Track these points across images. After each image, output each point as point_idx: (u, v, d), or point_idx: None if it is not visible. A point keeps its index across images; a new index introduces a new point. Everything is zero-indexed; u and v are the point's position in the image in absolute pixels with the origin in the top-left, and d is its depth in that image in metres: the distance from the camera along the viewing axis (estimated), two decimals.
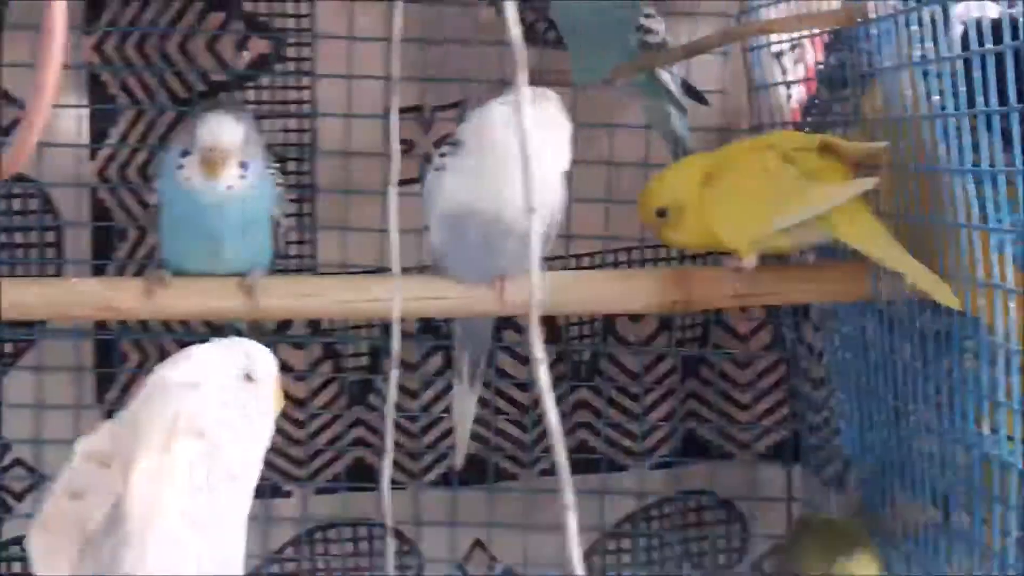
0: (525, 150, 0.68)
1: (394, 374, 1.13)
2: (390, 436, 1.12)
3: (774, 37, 1.79)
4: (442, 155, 1.50)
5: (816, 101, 1.74)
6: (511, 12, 0.69)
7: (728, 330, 1.94)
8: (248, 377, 1.03)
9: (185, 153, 1.47)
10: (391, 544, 1.15)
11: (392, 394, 1.13)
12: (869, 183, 1.42)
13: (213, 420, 1.00)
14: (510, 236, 1.45)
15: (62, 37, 0.94)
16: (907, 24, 1.36)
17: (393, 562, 1.92)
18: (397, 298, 1.11)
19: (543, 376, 0.68)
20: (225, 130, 1.44)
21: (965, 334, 1.35)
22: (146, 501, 0.95)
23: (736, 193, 1.48)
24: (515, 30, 0.69)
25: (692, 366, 1.94)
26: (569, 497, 0.67)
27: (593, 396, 1.93)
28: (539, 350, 0.68)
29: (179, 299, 1.50)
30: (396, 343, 1.13)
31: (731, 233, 1.48)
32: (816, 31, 1.69)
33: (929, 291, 1.34)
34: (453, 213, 1.48)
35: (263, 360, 1.06)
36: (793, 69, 1.78)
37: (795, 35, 1.74)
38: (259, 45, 1.83)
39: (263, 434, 1.03)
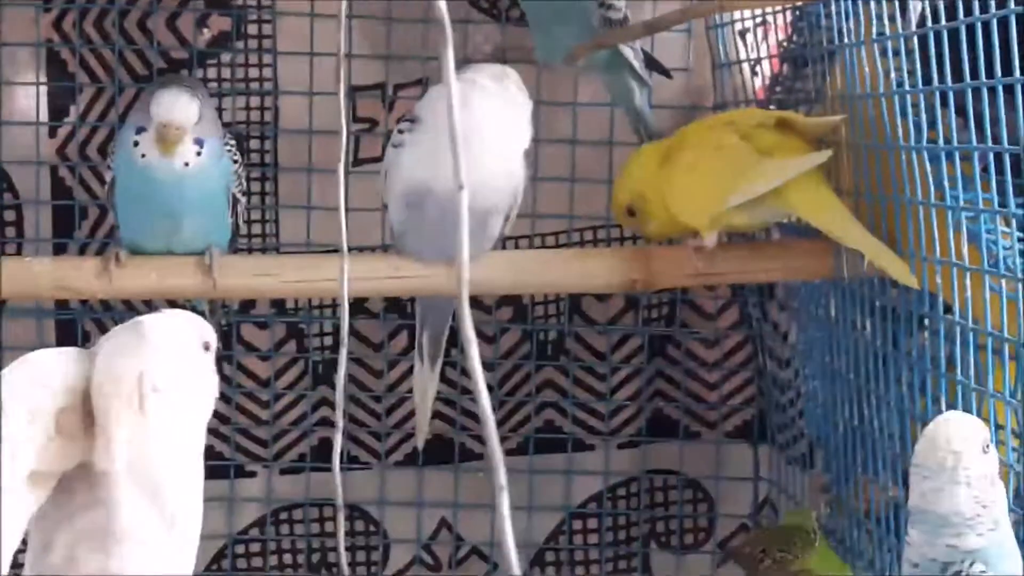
0: (454, 129, 0.67)
1: (343, 352, 1.12)
2: (340, 412, 1.12)
3: (739, 15, 1.79)
4: (400, 132, 1.49)
5: (781, 79, 1.74)
6: None
7: (695, 309, 1.93)
8: (206, 346, 1.03)
9: (140, 130, 1.46)
10: (341, 523, 1.13)
11: (342, 372, 1.12)
12: (822, 156, 1.42)
13: (177, 382, 1.00)
14: (468, 215, 1.44)
15: None
16: (866, 1, 1.36)
17: (358, 542, 1.92)
18: (344, 277, 1.10)
19: (474, 358, 0.67)
20: (180, 106, 1.43)
21: (923, 312, 1.35)
22: (133, 463, 0.95)
23: (691, 171, 1.48)
24: (441, 5, 0.68)
25: (659, 345, 1.94)
26: (502, 479, 0.66)
27: (559, 375, 1.93)
28: (469, 330, 0.68)
29: (135, 278, 1.50)
30: (344, 323, 1.13)
31: (688, 211, 1.48)
32: (779, 8, 1.68)
33: (887, 268, 1.34)
34: (411, 191, 1.47)
35: (211, 332, 1.06)
36: (758, 47, 1.77)
37: (760, 13, 1.74)
38: (219, 22, 1.82)
39: (210, 406, 1.03)
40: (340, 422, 1.12)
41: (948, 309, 1.29)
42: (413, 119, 1.48)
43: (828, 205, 1.42)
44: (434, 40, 1.80)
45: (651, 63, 1.76)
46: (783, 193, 1.43)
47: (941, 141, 1.26)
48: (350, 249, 1.80)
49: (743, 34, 1.81)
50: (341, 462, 1.85)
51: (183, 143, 1.45)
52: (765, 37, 1.76)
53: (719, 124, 1.51)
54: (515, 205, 1.52)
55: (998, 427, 1.21)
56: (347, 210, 1.79)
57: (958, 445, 1.05)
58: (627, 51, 1.69)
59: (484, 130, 1.44)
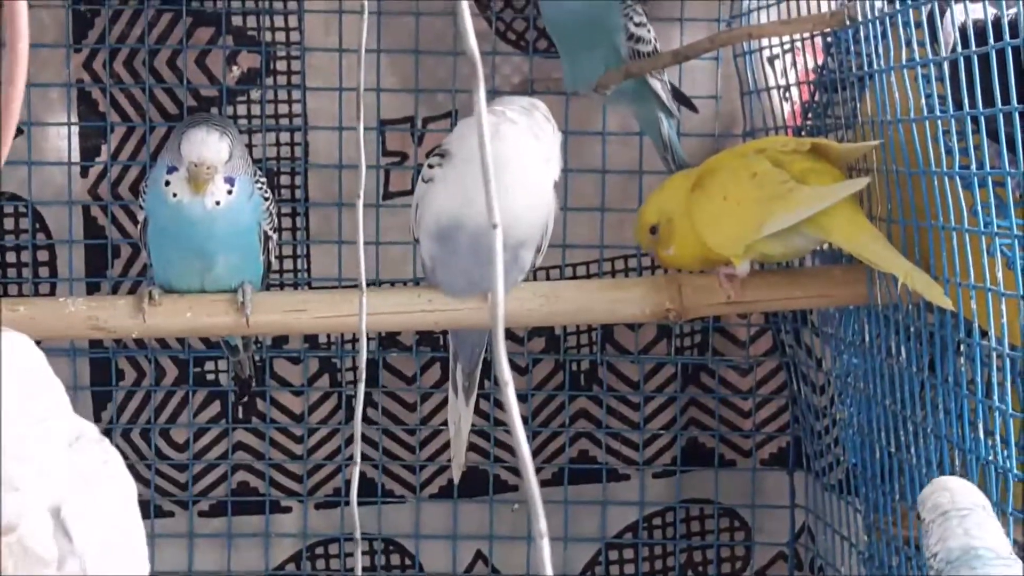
0: (487, 165, 0.67)
1: (360, 388, 1.12)
2: (358, 447, 1.11)
3: (767, 42, 1.79)
4: (430, 166, 1.50)
5: (812, 105, 1.74)
6: (467, 21, 0.68)
7: (728, 336, 1.93)
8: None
9: (171, 169, 1.47)
10: (359, 558, 1.13)
11: (359, 407, 1.12)
12: (859, 184, 1.41)
13: None
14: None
15: (26, 39, 0.91)
16: (898, 26, 1.36)
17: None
18: (363, 312, 1.10)
19: (511, 399, 0.67)
20: (210, 146, 1.44)
21: (959, 337, 1.34)
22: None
23: (724, 198, 1.47)
24: (471, 39, 0.68)
25: (692, 373, 1.93)
26: (542, 524, 0.66)
27: (593, 405, 1.93)
28: (506, 372, 0.67)
29: (170, 316, 1.50)
30: (362, 357, 1.13)
31: (721, 239, 1.47)
32: (808, 35, 1.68)
33: (923, 292, 1.34)
34: (442, 225, 1.47)
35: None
36: (787, 73, 1.77)
37: (788, 39, 1.74)
38: (248, 59, 1.83)
39: None
40: (358, 455, 1.12)
41: (984, 334, 1.28)
42: (443, 153, 1.49)
43: (863, 231, 1.41)
44: (463, 73, 1.83)
45: (677, 96, 1.77)
46: (818, 220, 1.42)
47: (974, 166, 1.26)
48: (382, 282, 1.82)
49: (772, 61, 1.81)
50: (375, 496, 1.88)
51: (214, 182, 1.45)
52: (794, 63, 1.76)
53: (751, 151, 1.50)
54: (546, 236, 1.52)
55: None
56: (378, 244, 1.82)
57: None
58: (655, 82, 1.70)
59: (515, 164, 1.44)
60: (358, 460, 1.09)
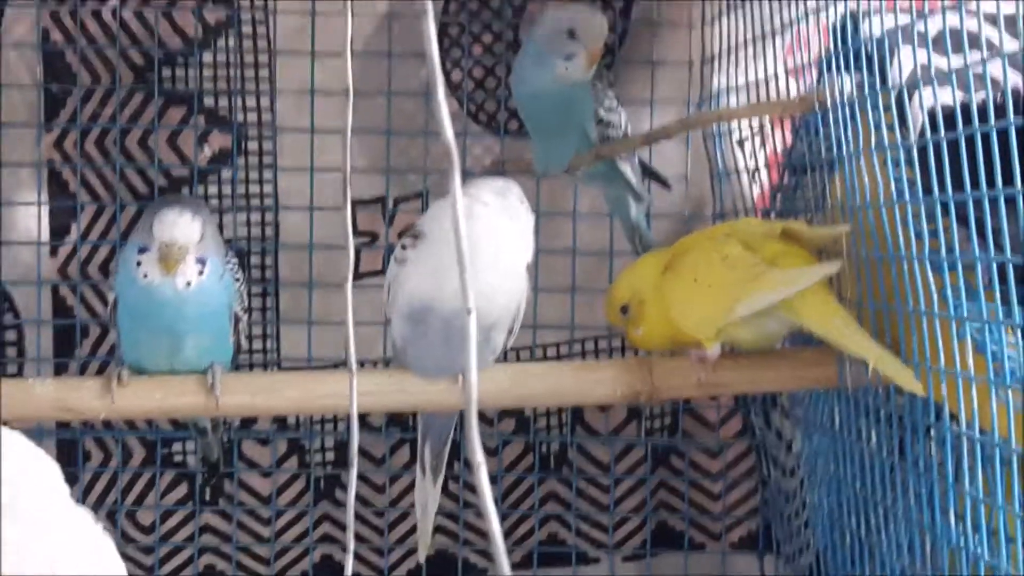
0: (461, 246, 0.67)
1: (353, 473, 1.11)
2: (351, 534, 1.11)
3: (736, 124, 1.80)
4: (403, 247, 1.49)
5: (782, 187, 1.74)
6: (443, 112, 0.69)
7: (698, 418, 1.93)
8: None
9: (143, 249, 1.46)
10: None
11: (351, 494, 1.11)
12: (831, 267, 1.42)
13: None
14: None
15: None
16: (867, 110, 1.37)
17: None
18: (353, 393, 1.10)
19: (483, 481, 0.67)
20: (182, 226, 1.43)
21: (929, 421, 1.34)
22: None
23: (695, 281, 1.47)
24: (447, 127, 0.69)
25: (662, 455, 1.93)
26: None
27: (562, 487, 1.92)
28: (479, 454, 0.67)
29: (138, 398, 1.48)
30: (354, 442, 1.12)
31: (692, 321, 1.47)
32: (779, 118, 1.69)
33: (893, 377, 1.34)
34: (415, 307, 1.47)
35: None
36: (756, 156, 1.78)
37: (759, 121, 1.75)
38: (220, 139, 1.83)
39: None
40: (351, 543, 1.11)
41: (954, 418, 1.28)
42: (416, 235, 1.48)
43: (834, 314, 1.41)
44: (435, 153, 1.83)
45: (650, 173, 1.78)
46: (789, 303, 1.42)
47: (943, 250, 1.26)
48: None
49: (741, 143, 1.82)
50: None
51: (185, 262, 1.44)
52: (763, 146, 1.77)
53: (721, 233, 1.50)
54: (518, 318, 1.51)
55: (1008, 540, 1.20)
56: (349, 323, 1.80)
57: None
58: (624, 166, 1.70)
59: (488, 245, 1.44)
60: (351, 549, 1.08)
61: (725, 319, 1.44)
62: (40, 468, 0.98)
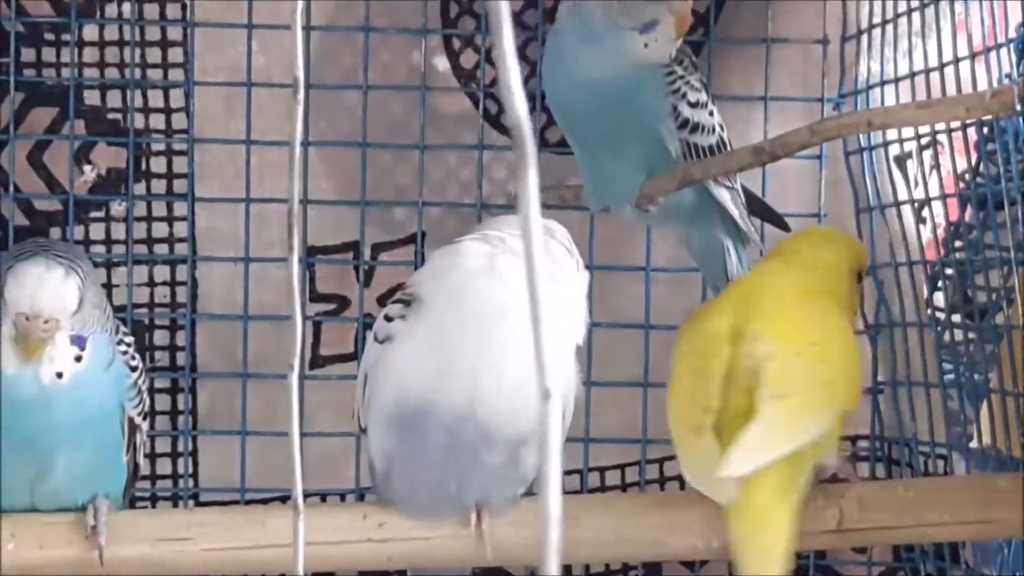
0: (536, 304, 0.65)
1: None
2: None
3: (895, 134, 1.79)
4: (388, 319, 1.48)
5: (963, 227, 1.73)
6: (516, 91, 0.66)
7: None
8: None
9: None
10: None
11: None
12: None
13: None
14: (490, 444, 1.44)
15: None
16: None
17: None
18: (299, 542, 1.07)
19: None
20: (50, 288, 1.42)
21: None
22: None
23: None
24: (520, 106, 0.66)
25: None
26: None
27: None
28: None
29: None
30: None
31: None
32: (956, 125, 1.68)
33: None
34: (407, 408, 1.46)
35: None
36: (924, 179, 1.77)
37: (929, 130, 1.73)
38: (109, 155, 1.83)
39: None
40: None
41: None
42: (409, 299, 1.47)
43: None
44: (437, 177, 1.83)
45: (761, 207, 1.77)
46: None
47: None
48: (308, 495, 1.78)
49: (902, 162, 1.81)
50: None
51: (54, 344, 1.43)
52: (935, 166, 1.75)
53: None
54: (567, 423, 1.50)
55: None
56: (302, 435, 1.79)
57: None
58: (721, 192, 1.68)
59: (518, 319, 1.43)
60: None
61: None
62: None
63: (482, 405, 1.43)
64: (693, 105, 1.66)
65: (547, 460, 0.69)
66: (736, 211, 1.70)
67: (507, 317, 1.42)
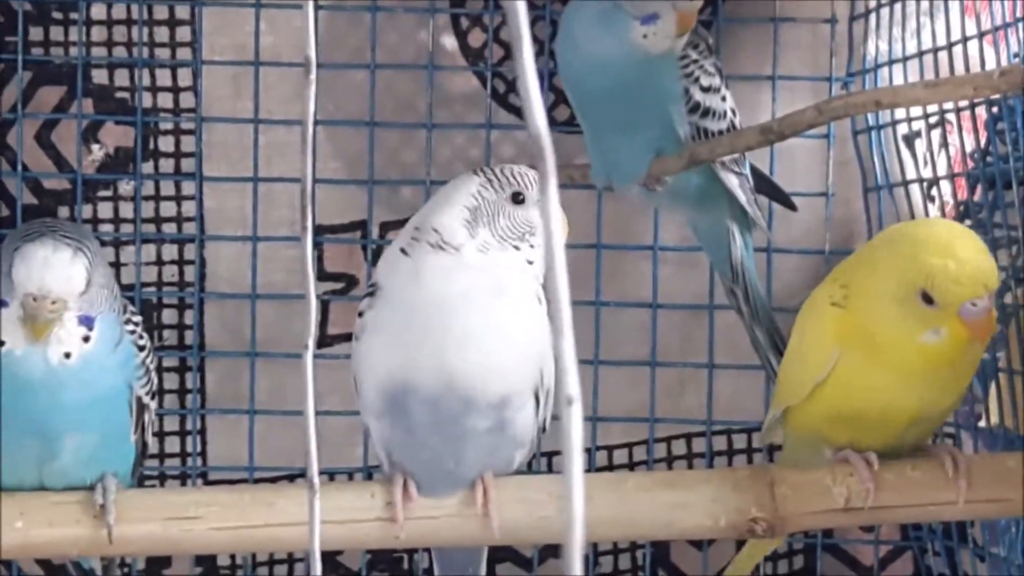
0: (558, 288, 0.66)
1: None
2: None
3: (903, 113, 1.80)
4: (360, 314, 1.49)
5: (972, 207, 1.73)
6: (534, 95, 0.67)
7: (846, 560, 1.93)
8: None
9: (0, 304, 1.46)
10: None
11: None
12: None
13: None
14: (471, 410, 1.45)
15: None
16: None
17: None
18: (315, 521, 1.08)
19: None
20: (57, 269, 1.42)
21: None
22: None
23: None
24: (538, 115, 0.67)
25: None
26: None
27: None
28: None
29: None
30: None
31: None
32: (965, 104, 1.68)
33: None
34: (388, 392, 1.47)
35: None
36: (933, 159, 1.77)
37: (937, 109, 1.74)
38: (117, 134, 1.84)
39: None
40: None
41: None
42: (373, 290, 1.48)
43: None
44: (443, 156, 1.83)
45: (769, 187, 1.77)
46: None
47: None
48: (318, 474, 1.79)
49: (910, 141, 1.82)
50: None
51: (62, 324, 1.43)
52: (944, 145, 1.76)
53: None
54: (549, 389, 1.50)
55: None
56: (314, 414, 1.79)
57: None
58: (728, 176, 1.69)
59: (470, 285, 1.45)
60: None
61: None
62: None
63: (455, 375, 1.43)
64: (705, 90, 1.67)
65: (570, 463, 0.69)
66: (744, 196, 1.71)
67: (462, 287, 1.43)
